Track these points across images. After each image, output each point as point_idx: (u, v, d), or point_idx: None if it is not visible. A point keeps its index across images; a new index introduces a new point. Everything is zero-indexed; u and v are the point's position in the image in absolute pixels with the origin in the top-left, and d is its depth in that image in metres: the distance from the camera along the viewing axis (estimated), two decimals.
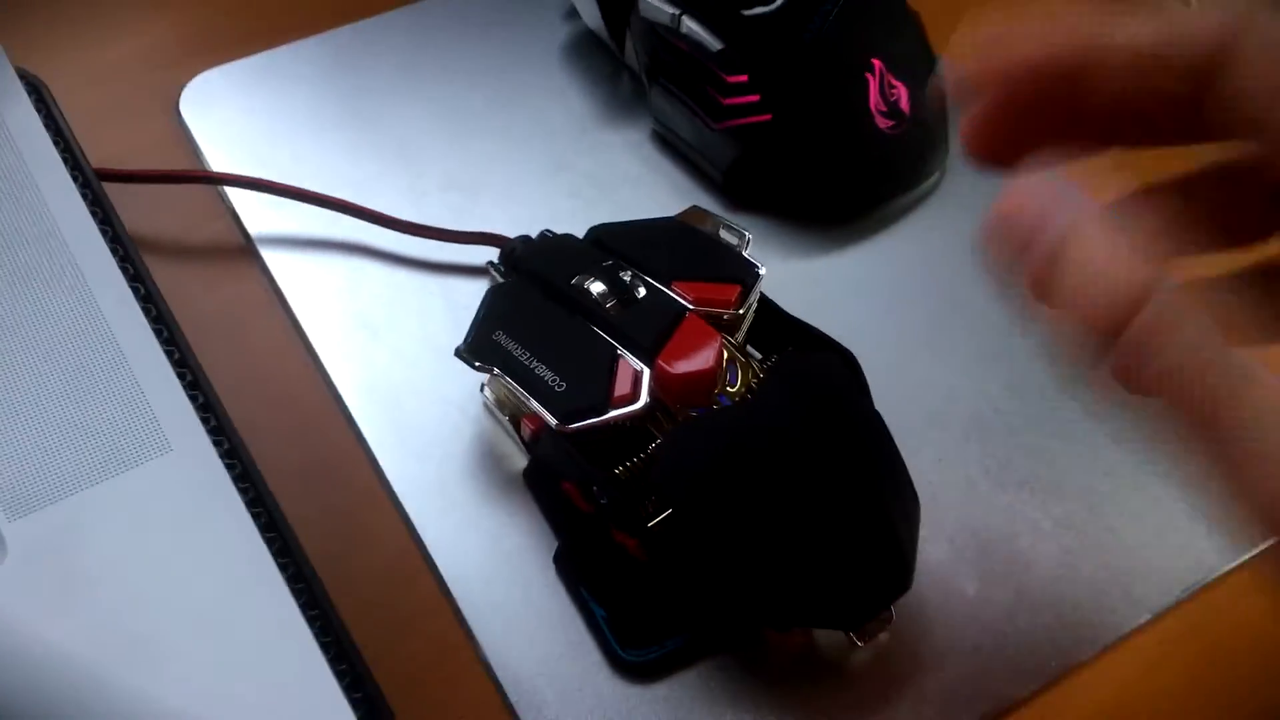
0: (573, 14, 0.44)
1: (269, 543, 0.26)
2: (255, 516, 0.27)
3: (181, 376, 0.29)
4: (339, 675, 0.25)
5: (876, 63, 0.38)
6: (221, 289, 0.36)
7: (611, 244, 0.34)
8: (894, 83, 0.38)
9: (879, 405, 0.31)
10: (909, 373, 0.36)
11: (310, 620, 0.26)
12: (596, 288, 0.32)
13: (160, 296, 0.31)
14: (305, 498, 0.31)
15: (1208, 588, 0.32)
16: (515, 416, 0.32)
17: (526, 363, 0.31)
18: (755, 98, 0.37)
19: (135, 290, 0.30)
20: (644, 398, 0.30)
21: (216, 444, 0.28)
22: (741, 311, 0.32)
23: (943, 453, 0.34)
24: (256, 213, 0.38)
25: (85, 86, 0.39)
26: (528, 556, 0.32)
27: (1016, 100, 0.23)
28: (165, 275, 0.33)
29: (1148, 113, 0.22)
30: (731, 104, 0.38)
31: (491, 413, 0.34)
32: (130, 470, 0.27)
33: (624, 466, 0.30)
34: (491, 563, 0.32)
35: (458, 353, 0.32)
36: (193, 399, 0.28)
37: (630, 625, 0.30)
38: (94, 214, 0.31)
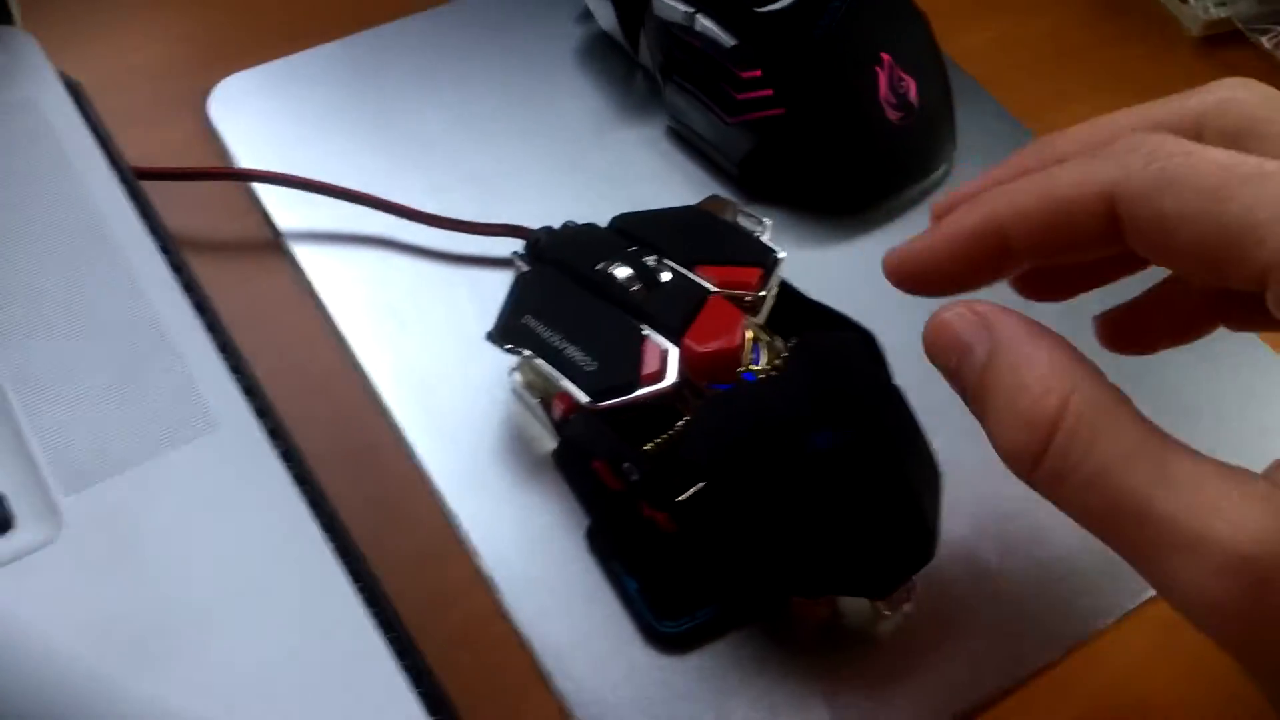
0: (585, 16, 0.45)
1: (315, 518, 0.27)
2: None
3: (224, 361, 0.29)
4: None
5: (886, 57, 0.39)
6: (253, 282, 0.37)
7: (635, 231, 0.35)
8: (903, 76, 0.39)
9: None
10: (923, 357, 0.37)
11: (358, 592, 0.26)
12: (622, 272, 0.33)
13: (200, 287, 0.32)
14: (342, 480, 0.32)
15: None
16: (545, 398, 0.33)
17: (557, 345, 0.32)
18: (769, 92, 0.39)
19: (178, 281, 0.30)
20: (672, 375, 0.31)
21: (261, 424, 0.28)
22: (763, 294, 0.33)
23: (960, 431, 0.35)
24: (285, 209, 0.39)
25: (115, 88, 0.40)
26: (559, 534, 0.33)
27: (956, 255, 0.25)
28: (198, 269, 0.34)
29: (1073, 252, 0.24)
30: (745, 99, 0.39)
31: (520, 396, 0.35)
32: (179, 447, 0.27)
33: (653, 443, 0.31)
34: (525, 540, 0.32)
35: (489, 336, 0.33)
36: (236, 382, 0.29)
37: (663, 597, 0.31)
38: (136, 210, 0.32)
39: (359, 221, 0.38)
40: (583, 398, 0.31)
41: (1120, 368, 0.24)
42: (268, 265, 0.38)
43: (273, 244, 0.38)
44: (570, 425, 0.32)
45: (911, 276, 0.26)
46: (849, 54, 0.38)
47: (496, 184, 0.40)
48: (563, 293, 0.33)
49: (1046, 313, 0.26)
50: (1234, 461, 0.20)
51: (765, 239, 0.35)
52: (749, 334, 0.32)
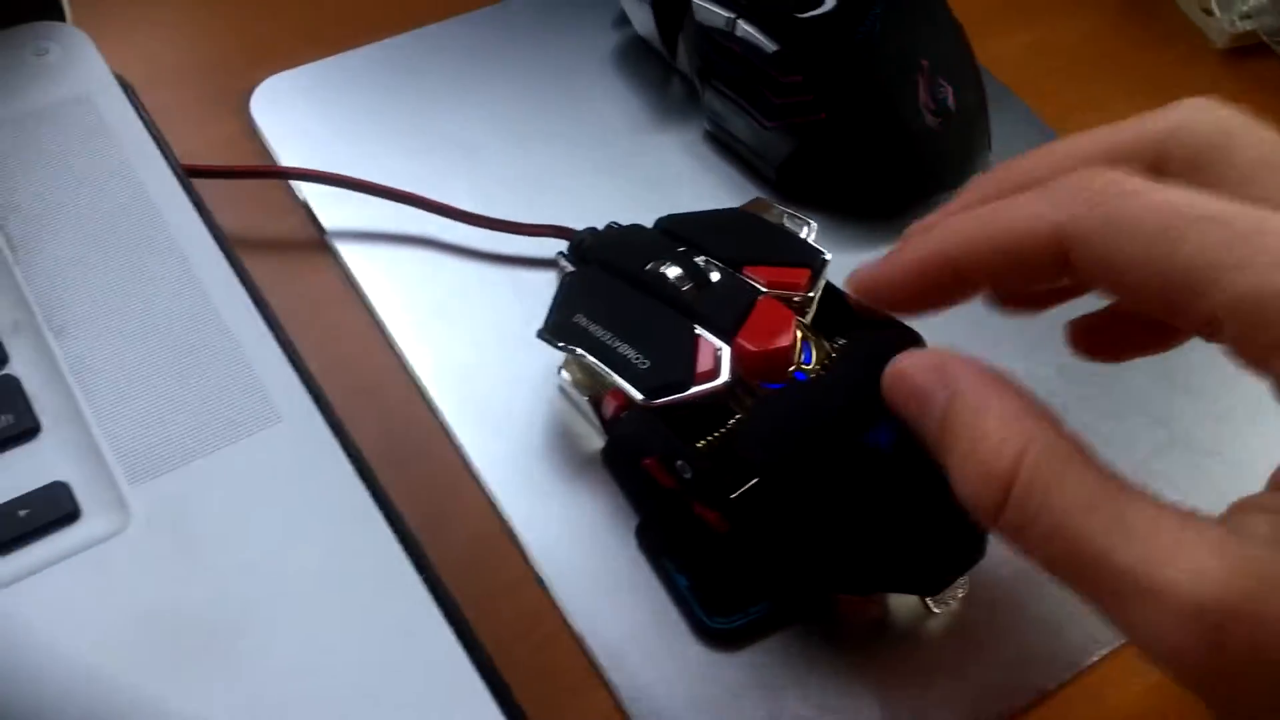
0: (622, 21, 0.45)
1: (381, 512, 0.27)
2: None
3: (285, 355, 0.30)
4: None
5: (925, 63, 0.39)
6: (299, 280, 0.37)
7: (681, 232, 0.35)
8: (941, 82, 0.40)
9: None
10: None
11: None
12: (673, 272, 0.33)
13: (254, 284, 0.32)
14: (393, 477, 0.32)
15: None
16: (595, 396, 0.33)
17: (609, 343, 0.32)
18: (809, 97, 0.39)
19: (237, 276, 0.31)
20: (725, 374, 0.31)
21: (324, 417, 0.29)
22: (811, 295, 0.34)
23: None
24: (330, 208, 0.39)
25: (156, 86, 0.40)
26: (608, 531, 0.33)
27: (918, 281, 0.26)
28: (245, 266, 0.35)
29: (1029, 281, 0.25)
30: (785, 103, 0.39)
31: (567, 394, 0.35)
32: (243, 439, 0.28)
33: (705, 441, 0.31)
34: (574, 537, 0.33)
35: (540, 334, 0.33)
36: (298, 376, 0.29)
37: (714, 594, 0.31)
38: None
39: (402, 221, 0.39)
40: (637, 395, 0.31)
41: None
42: (312, 263, 0.38)
43: (317, 242, 0.39)
44: (623, 423, 0.32)
45: (874, 299, 0.27)
46: (890, 59, 0.39)
47: (536, 185, 0.41)
48: (612, 292, 0.33)
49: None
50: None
51: (810, 240, 0.35)
52: (799, 333, 0.32)
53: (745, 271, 0.34)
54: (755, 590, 0.31)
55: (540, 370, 0.35)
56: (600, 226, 0.37)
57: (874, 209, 0.41)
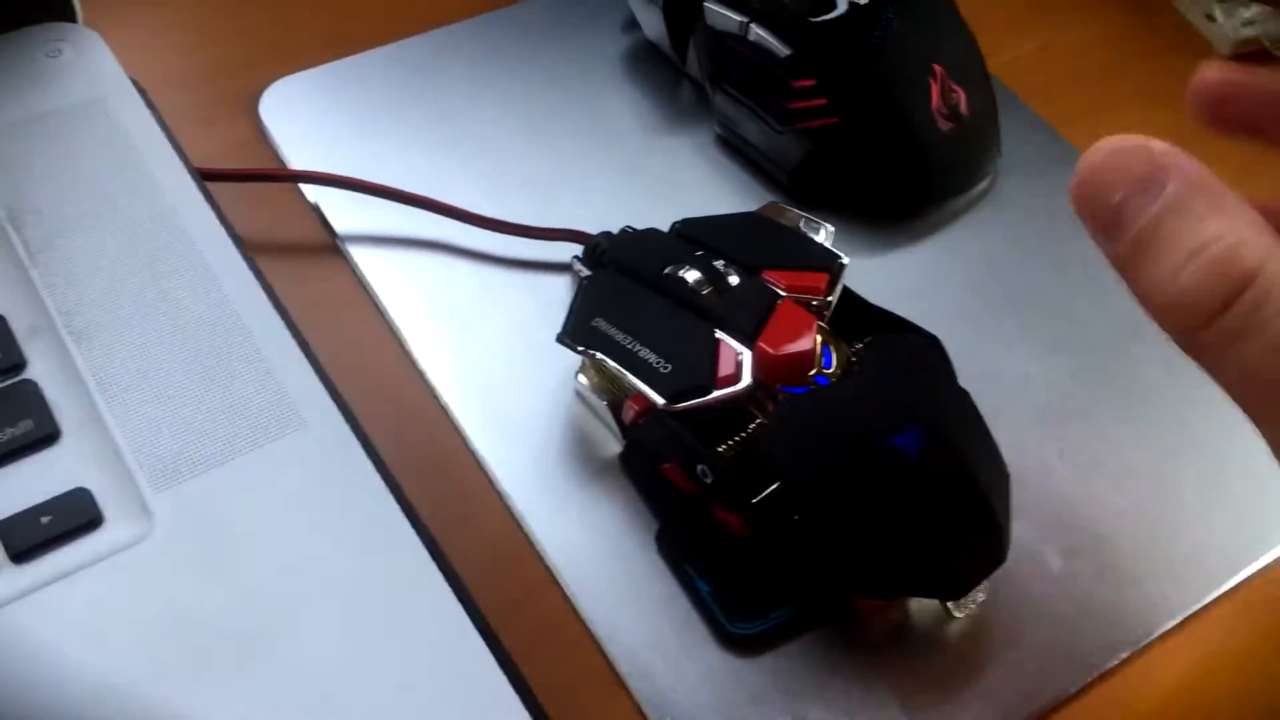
0: (631, 25, 0.45)
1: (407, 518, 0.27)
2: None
3: (307, 359, 0.29)
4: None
5: (938, 68, 0.39)
6: (312, 285, 0.37)
7: (698, 236, 0.35)
8: (954, 87, 0.40)
9: None
10: (978, 363, 0.37)
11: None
12: (692, 276, 0.33)
13: (271, 288, 0.32)
14: (411, 483, 0.32)
15: (1275, 562, 0.34)
16: (614, 401, 0.33)
17: (629, 346, 0.32)
18: (823, 101, 0.39)
19: (257, 280, 0.30)
20: (747, 378, 0.31)
21: (348, 422, 0.28)
22: (830, 298, 0.34)
23: (1019, 438, 0.35)
24: (341, 211, 0.39)
25: (165, 88, 0.40)
26: (628, 537, 0.33)
27: None
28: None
29: None
30: (798, 108, 0.39)
31: (585, 399, 0.35)
32: (267, 444, 0.27)
33: (726, 445, 0.31)
34: (593, 543, 0.32)
35: (560, 338, 0.33)
36: (321, 381, 0.29)
37: (736, 600, 0.31)
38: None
39: (415, 225, 0.39)
40: (659, 399, 0.31)
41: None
42: (326, 267, 0.38)
43: (329, 246, 0.38)
44: (643, 427, 0.32)
45: (1228, 95, 0.24)
46: (903, 64, 0.39)
47: (549, 189, 0.40)
48: (630, 296, 0.33)
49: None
50: None
51: (828, 244, 0.35)
52: (819, 337, 0.32)
53: (764, 275, 0.34)
54: (777, 595, 0.31)
55: (557, 375, 0.35)
56: (614, 230, 0.37)
57: (886, 214, 0.41)
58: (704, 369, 0.31)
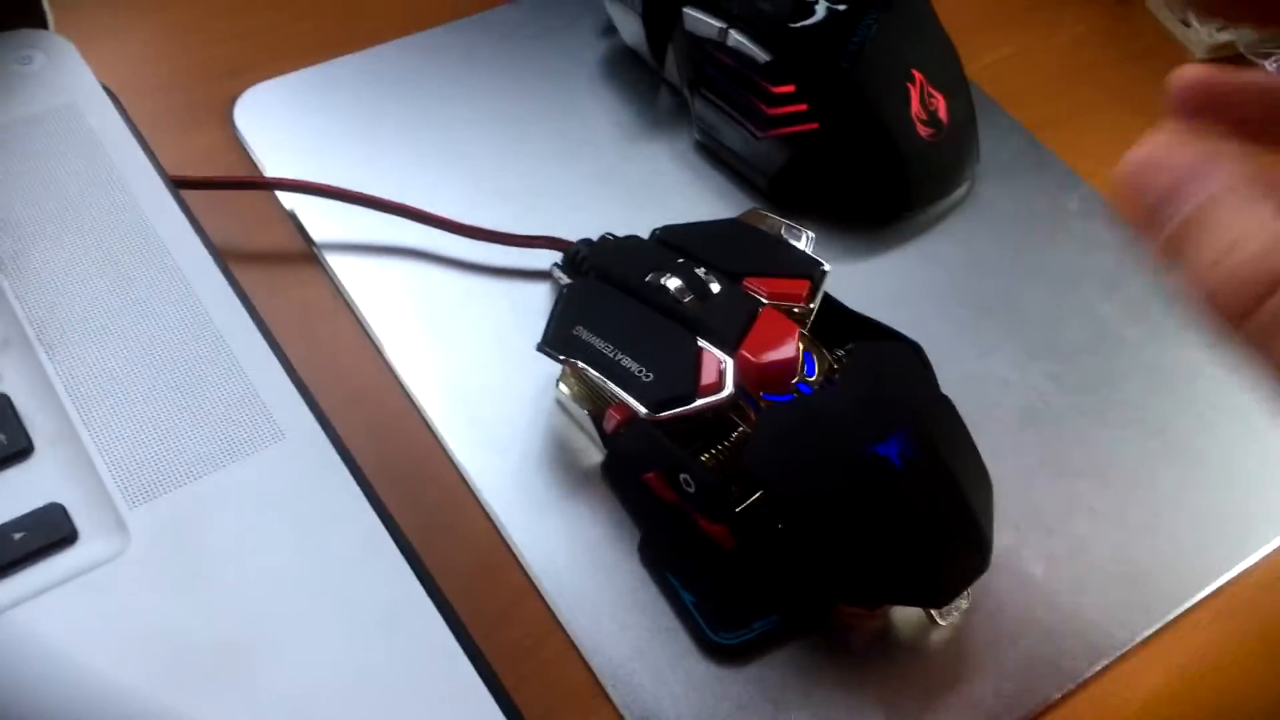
0: (609, 30, 0.45)
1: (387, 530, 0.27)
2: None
3: (285, 370, 0.29)
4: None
5: (917, 74, 0.39)
6: (289, 293, 0.37)
7: (678, 243, 0.35)
8: (933, 93, 0.40)
9: None
10: (958, 369, 0.37)
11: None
12: (673, 283, 0.33)
13: (247, 297, 0.31)
14: (390, 493, 0.32)
15: (1253, 568, 0.34)
16: (596, 410, 0.33)
17: (611, 355, 0.32)
18: (803, 107, 0.39)
19: (233, 289, 0.30)
20: (729, 387, 0.31)
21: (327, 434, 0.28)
22: (812, 306, 0.33)
23: (1000, 444, 0.35)
24: (318, 219, 0.38)
25: (141, 97, 0.40)
26: (610, 546, 0.32)
27: None
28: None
29: None
30: (778, 114, 0.39)
31: (566, 408, 0.34)
32: (245, 457, 0.27)
33: (709, 455, 0.31)
34: (576, 553, 0.32)
35: (540, 347, 0.32)
36: (299, 391, 0.29)
37: (719, 609, 0.31)
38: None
39: (392, 232, 0.38)
40: (641, 409, 0.31)
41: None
42: (303, 276, 0.37)
43: (306, 254, 0.38)
44: (625, 437, 0.32)
45: (1202, 99, 0.24)
46: (883, 70, 0.39)
47: (527, 195, 0.40)
48: (612, 304, 0.33)
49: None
50: None
51: (809, 251, 0.35)
52: (801, 345, 0.32)
53: (745, 283, 0.33)
54: (760, 604, 0.31)
55: (537, 384, 0.35)
56: (594, 237, 0.37)
57: (866, 219, 0.41)
58: (686, 378, 0.31)
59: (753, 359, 0.31)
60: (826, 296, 0.35)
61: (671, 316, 0.32)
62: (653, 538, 0.32)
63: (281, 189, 0.38)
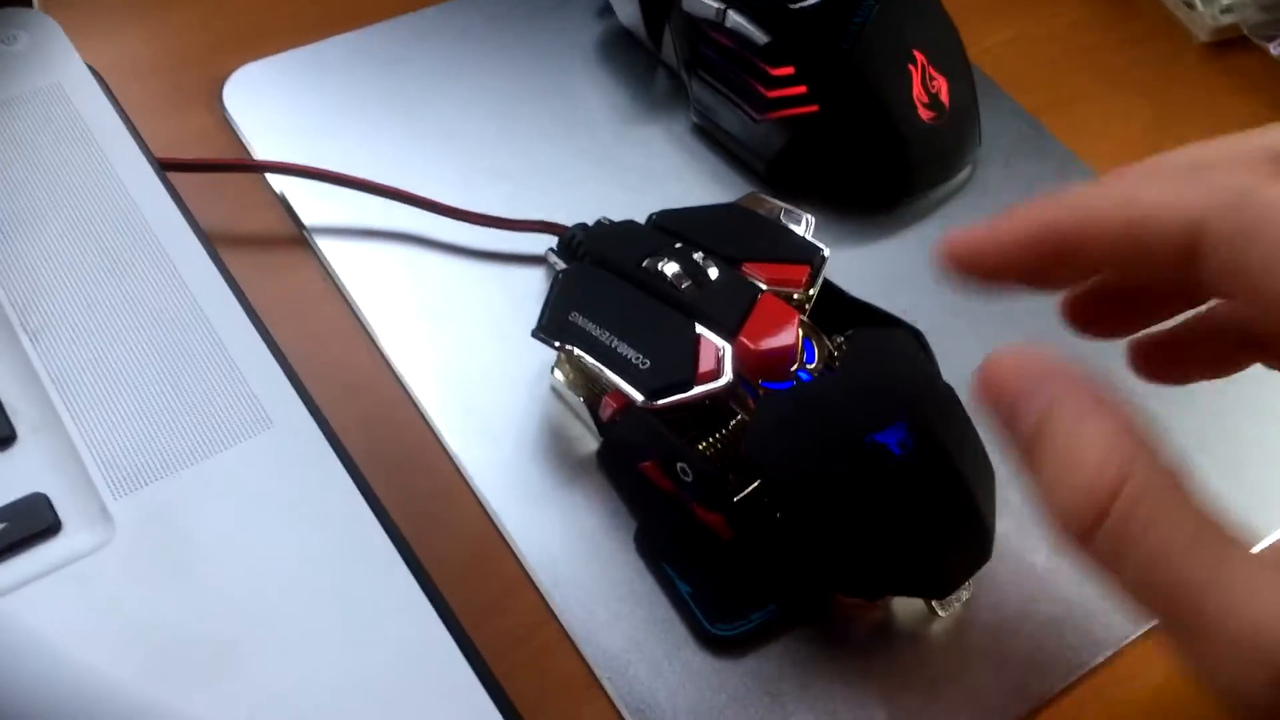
0: (605, 11, 0.44)
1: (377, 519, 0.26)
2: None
3: (274, 356, 0.29)
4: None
5: (919, 55, 0.39)
6: (278, 278, 0.36)
7: (675, 228, 0.34)
8: (934, 75, 0.39)
9: None
10: (957, 355, 0.36)
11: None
12: (670, 269, 0.32)
13: (236, 282, 0.31)
14: (382, 482, 0.31)
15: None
16: (591, 397, 0.33)
17: (607, 341, 0.31)
18: (802, 89, 0.38)
19: (221, 273, 0.29)
20: (728, 374, 0.30)
21: (316, 421, 0.27)
22: (811, 291, 0.33)
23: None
24: (308, 202, 0.38)
25: (129, 78, 0.39)
26: (606, 536, 0.32)
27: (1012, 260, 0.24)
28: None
29: (1141, 273, 0.23)
30: (776, 96, 0.39)
31: (561, 395, 0.34)
32: (233, 446, 0.26)
33: (706, 443, 0.31)
34: (571, 543, 0.32)
35: (535, 333, 0.32)
36: (288, 378, 0.28)
37: (716, 600, 0.31)
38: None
39: (384, 216, 0.38)
40: (638, 397, 0.30)
41: None
42: (291, 260, 0.37)
43: (296, 238, 0.37)
44: (622, 425, 0.31)
45: (968, 258, 0.25)
46: (884, 52, 0.38)
47: (522, 178, 0.40)
48: (608, 289, 0.33)
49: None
50: None
51: (808, 236, 0.34)
52: (801, 331, 0.31)
53: (744, 268, 0.33)
54: (759, 595, 0.31)
55: (531, 370, 0.34)
56: (589, 221, 0.37)
57: (865, 204, 0.40)
58: (684, 365, 0.30)
59: (751, 346, 0.31)
60: (826, 282, 0.34)
61: (668, 302, 0.32)
62: (649, 527, 0.32)
63: (271, 172, 0.38)
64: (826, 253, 0.34)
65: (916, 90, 0.39)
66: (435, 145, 0.40)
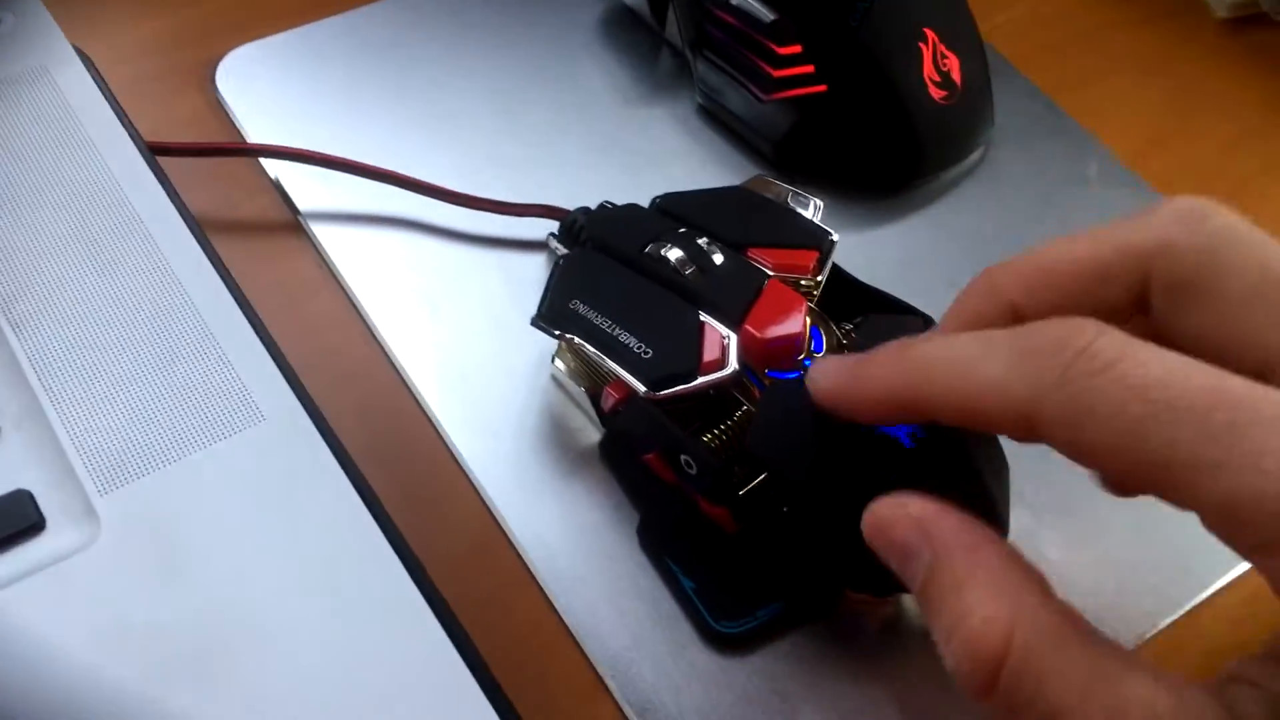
0: None
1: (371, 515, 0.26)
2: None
3: (266, 347, 0.28)
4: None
5: (929, 33, 0.38)
6: (273, 265, 0.35)
7: (680, 212, 0.33)
8: (946, 53, 0.38)
9: None
10: None
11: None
12: (674, 254, 0.31)
13: (227, 270, 0.30)
14: (379, 474, 0.30)
15: None
16: (593, 387, 0.32)
17: (609, 330, 0.30)
18: (809, 69, 0.37)
19: (211, 261, 0.29)
20: (733, 363, 0.29)
21: (308, 414, 0.27)
22: (820, 277, 0.32)
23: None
24: (303, 187, 0.37)
25: (118, 61, 0.38)
26: (609, 530, 0.31)
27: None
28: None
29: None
30: (783, 76, 0.38)
31: (561, 385, 0.33)
32: (223, 441, 0.26)
33: (711, 434, 0.30)
34: (573, 537, 0.31)
35: (534, 322, 0.31)
36: (280, 370, 0.27)
37: (722, 596, 0.30)
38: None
39: (381, 201, 0.37)
40: (640, 387, 0.29)
41: None
42: (286, 247, 0.36)
43: (291, 224, 0.36)
44: (624, 416, 0.31)
45: (833, 405, 0.25)
46: (894, 29, 0.37)
47: (522, 161, 0.39)
48: (610, 276, 0.32)
49: None
50: None
51: (817, 220, 0.33)
52: (808, 319, 0.30)
53: (750, 253, 0.32)
54: (765, 591, 0.30)
55: (532, 359, 0.34)
56: (592, 206, 0.36)
57: (876, 186, 0.39)
58: (687, 354, 0.29)
59: (757, 334, 0.30)
60: (835, 267, 0.33)
61: (672, 289, 0.31)
62: (652, 521, 0.31)
63: (265, 156, 0.37)
64: (835, 237, 0.33)
65: (927, 69, 0.37)
66: (433, 128, 0.39)
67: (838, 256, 0.33)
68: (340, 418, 0.31)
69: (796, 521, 0.28)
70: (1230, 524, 0.19)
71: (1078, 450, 0.20)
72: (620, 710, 0.29)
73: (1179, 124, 0.44)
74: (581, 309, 0.31)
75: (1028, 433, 0.21)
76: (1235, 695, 0.19)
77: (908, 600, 0.30)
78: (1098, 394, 0.20)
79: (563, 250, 0.35)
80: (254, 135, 0.38)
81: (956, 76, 0.38)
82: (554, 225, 0.36)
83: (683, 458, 0.29)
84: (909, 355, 0.23)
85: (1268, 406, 0.19)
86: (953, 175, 0.40)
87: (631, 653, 0.29)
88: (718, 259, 0.31)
